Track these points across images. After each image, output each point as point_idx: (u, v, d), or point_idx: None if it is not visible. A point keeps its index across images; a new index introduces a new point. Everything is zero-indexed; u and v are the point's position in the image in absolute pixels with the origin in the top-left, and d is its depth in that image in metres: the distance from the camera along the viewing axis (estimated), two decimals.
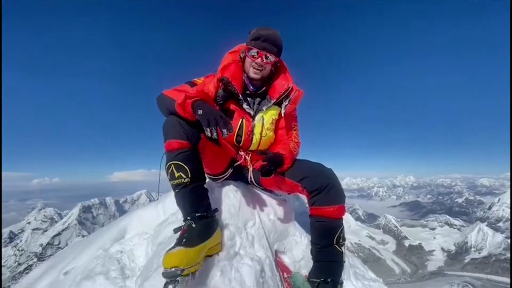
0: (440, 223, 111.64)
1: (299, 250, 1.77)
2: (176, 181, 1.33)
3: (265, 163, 1.51)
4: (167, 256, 1.09)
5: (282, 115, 1.80)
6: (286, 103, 1.76)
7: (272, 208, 1.85)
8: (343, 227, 1.51)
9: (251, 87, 1.78)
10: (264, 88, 1.80)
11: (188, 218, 1.31)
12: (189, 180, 1.33)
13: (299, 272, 1.64)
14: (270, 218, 1.77)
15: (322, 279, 1.44)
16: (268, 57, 1.66)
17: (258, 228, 1.63)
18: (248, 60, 1.71)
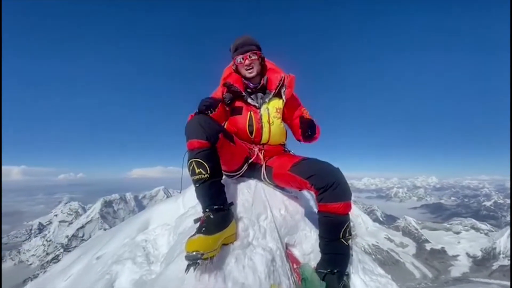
0: (466, 227, 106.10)
1: (308, 244, 1.87)
2: (197, 177, 1.49)
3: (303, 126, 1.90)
4: (189, 242, 1.24)
5: (284, 100, 2.05)
6: (284, 89, 2.03)
7: (284, 204, 1.97)
8: (350, 222, 1.61)
9: (251, 85, 2.08)
10: (261, 84, 2.08)
11: (207, 210, 1.46)
12: (208, 176, 1.48)
13: (308, 264, 1.75)
14: (281, 213, 1.89)
15: (329, 270, 1.55)
16: (251, 56, 1.99)
17: (270, 222, 1.75)
18: (239, 67, 2.04)
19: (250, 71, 2.00)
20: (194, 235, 1.29)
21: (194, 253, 1.20)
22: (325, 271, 1.55)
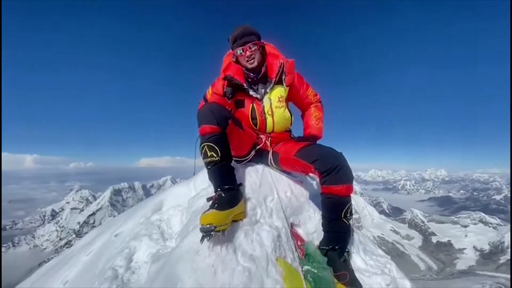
0: (474, 221, 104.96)
1: (312, 224, 1.99)
2: (209, 159, 1.61)
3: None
4: (203, 216, 1.38)
5: (286, 88, 2.08)
6: (284, 76, 2.04)
7: (289, 187, 2.08)
8: (351, 203, 1.71)
9: (252, 75, 2.06)
10: (262, 72, 2.07)
11: (218, 189, 1.58)
12: (219, 159, 1.61)
13: (312, 241, 1.87)
14: (287, 195, 2.01)
15: (330, 247, 1.66)
16: (251, 47, 1.96)
17: (276, 203, 1.87)
18: (240, 59, 2.02)
19: (251, 62, 1.98)
20: (207, 210, 1.42)
21: (207, 225, 1.33)
22: (327, 248, 1.67)
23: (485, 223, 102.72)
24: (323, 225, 1.77)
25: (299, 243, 1.79)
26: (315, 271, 1.59)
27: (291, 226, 1.90)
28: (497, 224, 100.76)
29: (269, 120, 2.09)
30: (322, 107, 2.40)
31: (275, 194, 1.93)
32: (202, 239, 1.36)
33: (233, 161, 2.16)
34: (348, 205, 1.68)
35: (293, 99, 2.29)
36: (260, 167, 2.15)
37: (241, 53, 1.97)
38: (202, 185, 2.31)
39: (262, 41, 2.06)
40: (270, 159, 2.11)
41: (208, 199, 1.60)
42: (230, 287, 1.26)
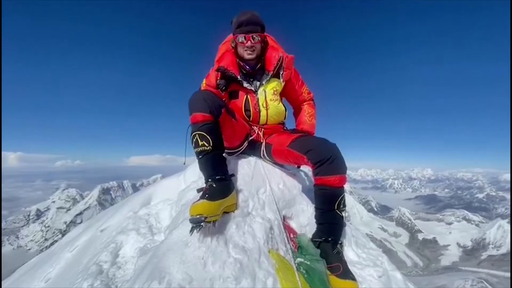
0: (458, 218, 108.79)
1: (305, 217, 1.96)
2: (200, 149, 1.54)
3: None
4: (193, 207, 1.32)
5: (282, 83, 2.04)
6: (281, 71, 2.00)
7: (282, 179, 2.05)
8: (344, 194, 1.68)
9: (247, 67, 2.01)
10: (259, 65, 2.02)
11: (209, 179, 1.52)
12: (211, 148, 1.54)
13: (305, 234, 1.84)
14: (279, 187, 1.97)
15: (323, 238, 1.63)
16: (254, 37, 1.90)
17: (269, 195, 1.83)
18: (239, 46, 1.94)
19: (251, 53, 1.92)
20: (198, 200, 1.37)
21: (197, 216, 1.28)
22: (320, 240, 1.64)
23: (468, 220, 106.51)
24: (316, 217, 1.73)
25: (291, 236, 1.76)
26: (308, 263, 1.56)
27: (284, 218, 1.87)
28: (479, 222, 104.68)
29: (263, 112, 2.04)
30: (315, 105, 2.38)
31: (268, 186, 1.89)
32: (191, 231, 1.30)
33: (225, 153, 2.11)
34: (341, 196, 1.65)
35: (287, 95, 2.26)
36: (252, 159, 2.11)
37: (242, 41, 1.90)
38: (193, 178, 2.25)
39: (265, 34, 1.99)
40: (263, 151, 2.07)
41: (199, 190, 1.54)
42: (220, 279, 1.21)
